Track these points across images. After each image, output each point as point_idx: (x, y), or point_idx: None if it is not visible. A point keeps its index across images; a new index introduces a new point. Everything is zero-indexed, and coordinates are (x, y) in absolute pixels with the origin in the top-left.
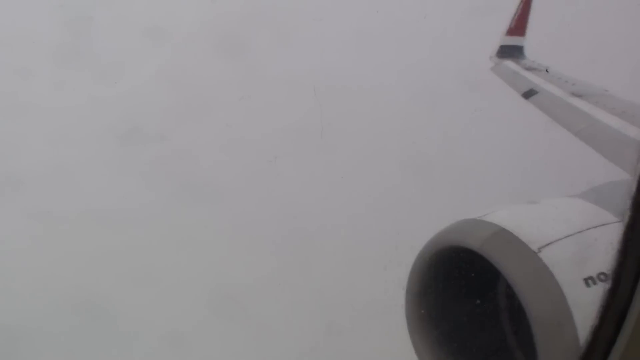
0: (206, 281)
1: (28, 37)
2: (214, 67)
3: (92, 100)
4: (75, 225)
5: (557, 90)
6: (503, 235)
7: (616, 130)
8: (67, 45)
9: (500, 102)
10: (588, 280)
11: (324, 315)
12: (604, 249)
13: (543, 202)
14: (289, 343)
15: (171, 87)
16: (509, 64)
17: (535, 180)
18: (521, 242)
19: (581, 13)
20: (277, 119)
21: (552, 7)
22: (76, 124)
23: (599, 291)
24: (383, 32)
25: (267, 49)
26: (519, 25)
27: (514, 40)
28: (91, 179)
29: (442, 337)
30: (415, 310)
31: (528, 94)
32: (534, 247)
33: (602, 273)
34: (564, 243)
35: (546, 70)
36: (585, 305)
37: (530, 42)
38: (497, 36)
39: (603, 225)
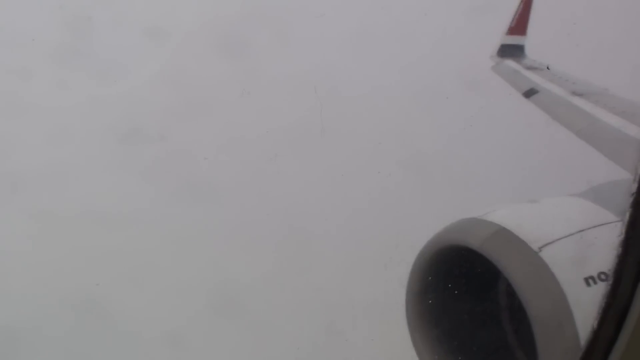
0: (206, 281)
1: (28, 36)
2: (214, 66)
3: (91, 99)
4: (75, 224)
5: (558, 89)
6: (503, 235)
7: (617, 129)
8: (67, 44)
9: (501, 101)
10: (588, 280)
11: (324, 314)
12: (604, 248)
13: (543, 201)
14: (289, 342)
15: (171, 87)
16: (510, 63)
17: (535, 179)
18: (522, 241)
19: (582, 12)
20: (277, 117)
21: (552, 6)
22: (76, 123)
23: (599, 290)
24: (383, 30)
25: (266, 48)
26: (519, 25)
27: (514, 40)
28: (91, 179)
29: (443, 336)
30: (415, 309)
31: (529, 93)
32: (535, 246)
33: (603, 272)
34: (564, 242)
35: (547, 69)
36: (585, 305)
37: (531, 41)
38: (498, 35)
39: (603, 224)
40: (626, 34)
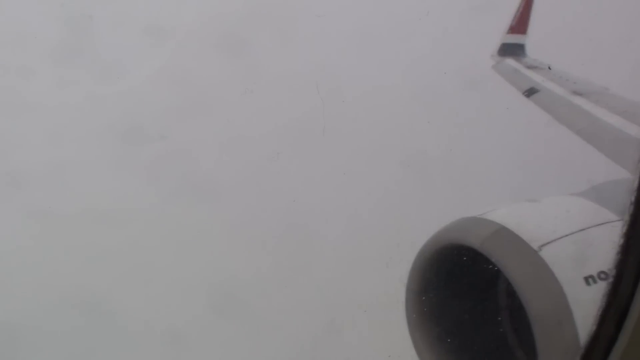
0: (207, 279)
1: (28, 35)
2: (215, 65)
3: (92, 98)
4: (75, 223)
5: (558, 88)
6: (503, 234)
7: (617, 128)
8: (68, 43)
9: (501, 101)
10: (588, 279)
11: (325, 312)
12: (604, 247)
13: (544, 200)
14: (290, 340)
15: (172, 85)
16: (510, 62)
17: (535, 179)
18: (522, 240)
19: (582, 11)
20: (279, 116)
21: (553, 5)
22: (76, 122)
23: (599, 290)
24: (384, 29)
25: (268, 46)
26: (520, 23)
27: (515, 39)
28: (91, 177)
29: (443, 334)
30: (415, 308)
31: (529, 92)
32: (535, 246)
33: (603, 272)
34: (564, 241)
35: (548, 69)
36: (585, 304)
37: (532, 40)
38: (499, 34)
39: (604, 223)
40: (627, 33)
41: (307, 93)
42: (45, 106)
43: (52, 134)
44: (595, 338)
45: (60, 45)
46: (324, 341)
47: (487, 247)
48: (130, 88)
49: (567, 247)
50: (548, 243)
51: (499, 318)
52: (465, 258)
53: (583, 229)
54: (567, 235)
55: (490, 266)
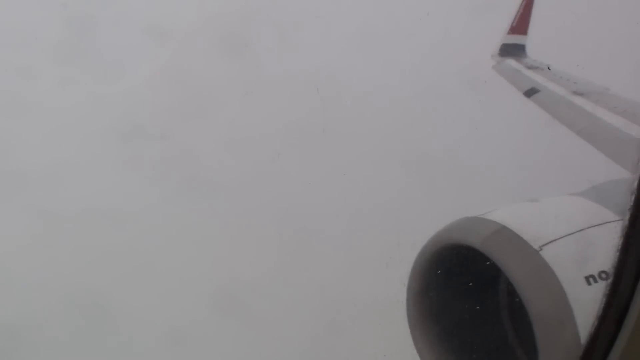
0: (209, 279)
1: (30, 35)
2: (216, 65)
3: (94, 98)
4: (77, 223)
5: (559, 88)
6: (504, 233)
7: (617, 128)
8: (69, 43)
9: (502, 101)
10: (589, 279)
11: (326, 312)
12: (605, 247)
13: (544, 200)
14: (291, 340)
15: (173, 86)
16: (511, 62)
17: (536, 179)
18: (522, 240)
19: (582, 11)
20: (280, 116)
21: (553, 5)
22: (78, 122)
23: (599, 289)
24: (385, 30)
25: (269, 47)
26: (520, 24)
27: (515, 39)
28: (93, 178)
29: (443, 334)
30: (416, 307)
31: (530, 93)
32: (535, 245)
33: (603, 271)
34: (565, 241)
35: (548, 69)
36: (586, 304)
37: (532, 40)
38: (499, 35)
39: (604, 223)
40: (627, 34)
41: (307, 94)
42: (46, 106)
43: (54, 134)
44: (595, 337)
45: (62, 45)
46: (325, 341)
47: (487, 247)
48: (132, 88)
49: (567, 247)
50: (549, 243)
51: (500, 317)
52: (466, 258)
53: (583, 229)
54: (567, 235)
55: (491, 266)
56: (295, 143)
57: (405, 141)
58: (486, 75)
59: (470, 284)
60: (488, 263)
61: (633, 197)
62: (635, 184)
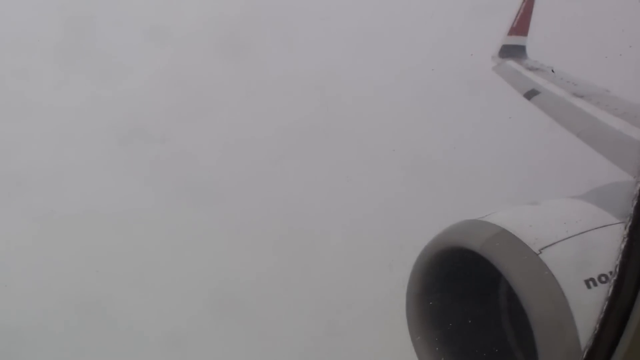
0: (209, 281)
1: (29, 36)
2: (217, 67)
3: (94, 100)
4: (77, 225)
5: (559, 90)
6: (504, 236)
7: (618, 131)
8: (69, 45)
9: (502, 102)
10: (589, 282)
11: (326, 315)
12: (605, 250)
13: (544, 203)
14: (291, 343)
15: (174, 87)
16: (511, 63)
17: (536, 181)
18: (522, 243)
19: (583, 13)
20: (282, 119)
21: (554, 6)
22: (78, 124)
23: (600, 293)
24: (386, 32)
25: (270, 49)
26: (521, 25)
27: (516, 40)
28: (93, 180)
29: (443, 337)
30: (416, 310)
31: (530, 94)
32: (535, 248)
33: (603, 275)
34: (565, 244)
35: (549, 71)
36: (586, 307)
37: (533, 42)
38: (499, 36)
39: (604, 226)
40: (628, 35)
41: (309, 95)
42: (46, 108)
43: (54, 136)
44: (596, 341)
45: (61, 46)
46: (326, 344)
47: (487, 250)
48: (132, 90)
49: (567, 250)
50: (549, 246)
51: (500, 321)
52: (466, 261)
53: (584, 232)
54: (567, 238)
55: (491, 269)
56: (296, 145)
57: (406, 143)
58: (486, 76)
59: (471, 287)
60: (488, 267)
61: (634, 200)
62: (636, 186)
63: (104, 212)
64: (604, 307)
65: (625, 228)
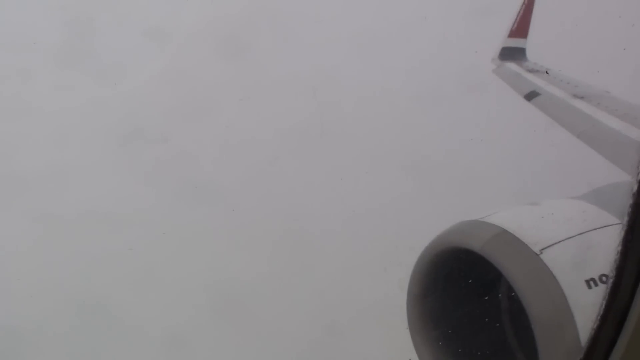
0: (207, 282)
1: (29, 38)
2: (215, 68)
3: (93, 101)
4: (77, 226)
5: (559, 92)
6: (504, 237)
7: (618, 131)
8: (69, 46)
9: (502, 104)
10: (589, 282)
11: (325, 316)
12: (605, 250)
13: (544, 203)
14: (289, 344)
15: (172, 89)
16: (511, 65)
17: (536, 182)
18: (522, 243)
19: (583, 14)
20: (278, 120)
21: (554, 8)
22: (77, 125)
23: (600, 293)
24: (384, 34)
25: (268, 50)
26: (521, 27)
27: (516, 42)
28: (93, 181)
29: (443, 338)
30: (416, 311)
31: (530, 96)
32: (535, 249)
33: (604, 274)
34: (565, 245)
35: (547, 72)
36: (586, 307)
37: (532, 43)
38: (499, 38)
39: (604, 226)
40: (627, 37)
41: (306, 97)
42: (46, 109)
43: (54, 137)
44: (595, 341)
45: (62, 48)
46: (324, 345)
47: (487, 251)
48: (131, 91)
49: (568, 250)
50: (549, 246)
51: (500, 321)
52: (466, 261)
53: (584, 232)
54: (567, 239)
55: (491, 269)
56: (293, 146)
57: (404, 144)
58: (486, 78)
59: (471, 287)
60: (488, 267)
61: (633, 200)
62: (636, 187)
63: (104, 212)
64: (602, 308)
65: (623, 228)
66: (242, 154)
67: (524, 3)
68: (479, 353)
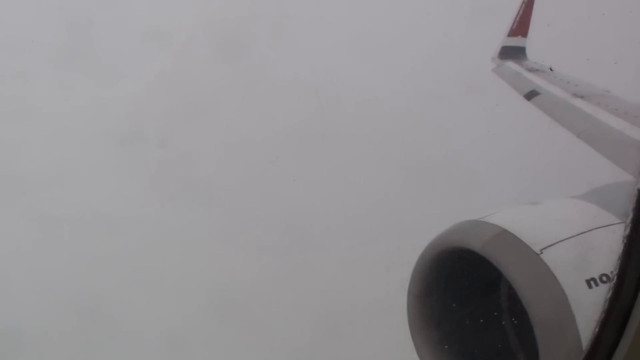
0: (208, 283)
1: (29, 39)
2: (215, 69)
3: (93, 102)
4: (77, 228)
5: (559, 91)
6: (505, 237)
7: (618, 131)
8: (68, 47)
9: (503, 104)
10: (590, 282)
11: (325, 316)
12: (606, 250)
13: (545, 203)
14: (290, 345)
15: (173, 90)
16: (511, 65)
17: (537, 182)
18: (523, 243)
19: (583, 13)
20: (279, 120)
21: (554, 7)
22: (77, 126)
23: (601, 293)
24: (384, 34)
25: (268, 51)
26: (521, 26)
27: (516, 41)
28: (93, 182)
29: (444, 338)
30: (417, 311)
31: (530, 95)
32: (536, 249)
33: (605, 274)
34: (566, 244)
35: (549, 71)
36: (587, 307)
37: (532, 43)
38: (499, 37)
39: (605, 226)
40: (628, 36)
41: (307, 98)
42: (45, 111)
43: (53, 138)
44: (597, 341)
45: (61, 49)
46: (325, 346)
47: (488, 250)
48: (131, 92)
49: (568, 250)
50: (550, 246)
51: (501, 321)
52: (466, 261)
53: (584, 232)
54: (568, 238)
55: (492, 269)
56: (294, 147)
57: (405, 144)
58: (486, 78)
59: (471, 287)
60: (489, 267)
61: (634, 200)
62: (637, 186)
63: (103, 214)
64: (605, 308)
65: (625, 228)
66: (243, 155)
67: (523, 2)
68: (479, 353)
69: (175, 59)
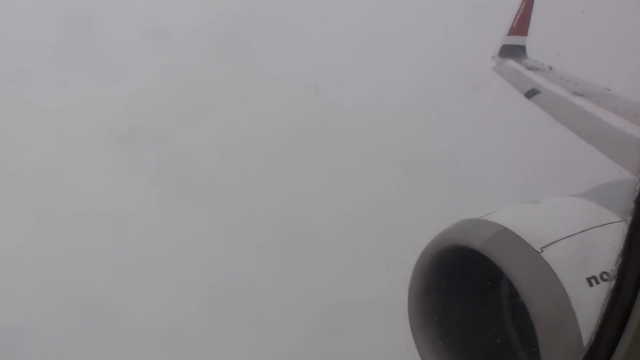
0: (208, 281)
1: (29, 37)
2: (216, 67)
3: (93, 100)
4: (77, 225)
5: (560, 89)
6: (505, 235)
7: (618, 129)
8: (68, 45)
9: (503, 102)
10: (591, 280)
11: (326, 314)
12: (606, 248)
13: (545, 201)
14: (290, 342)
15: (172, 87)
16: (511, 63)
17: (537, 180)
18: (524, 241)
19: (583, 12)
20: (279, 118)
21: (554, 6)
22: (77, 124)
23: (601, 291)
24: (384, 32)
25: (268, 49)
26: (521, 25)
27: (516, 40)
28: (92, 180)
29: (445, 336)
30: (417, 309)
31: (530, 94)
32: (537, 247)
33: (605, 272)
34: (566, 242)
35: (549, 70)
36: (588, 305)
37: (533, 41)
38: (499, 36)
39: (606, 224)
40: (628, 34)
41: (308, 96)
42: (45, 108)
43: (53, 136)
44: (598, 339)
45: (61, 47)
46: (325, 343)
47: (489, 249)
48: (131, 90)
49: (569, 248)
50: (550, 244)
51: (502, 319)
52: (467, 259)
53: (585, 230)
54: (569, 236)
55: (493, 267)
56: (294, 145)
57: (405, 143)
58: (486, 76)
59: (472, 285)
60: (490, 266)
61: (634, 198)
62: (637, 184)
63: (103, 212)
64: (605, 306)
65: (626, 226)
66: (243, 153)
67: (523, 1)
68: (480, 351)
69: (175, 57)
